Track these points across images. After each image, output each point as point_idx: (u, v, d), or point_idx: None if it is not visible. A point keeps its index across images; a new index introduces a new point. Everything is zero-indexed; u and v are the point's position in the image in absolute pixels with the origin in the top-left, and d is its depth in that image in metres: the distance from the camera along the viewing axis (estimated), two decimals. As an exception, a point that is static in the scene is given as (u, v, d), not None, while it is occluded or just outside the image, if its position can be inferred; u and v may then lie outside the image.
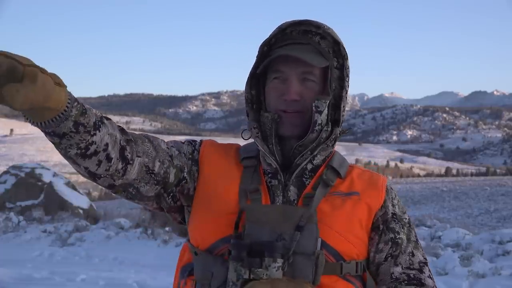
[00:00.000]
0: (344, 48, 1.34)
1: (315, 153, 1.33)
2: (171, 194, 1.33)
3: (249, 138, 1.39)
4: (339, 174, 1.36)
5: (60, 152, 1.12)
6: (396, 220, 1.36)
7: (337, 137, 1.36)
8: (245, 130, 1.39)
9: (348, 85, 1.37)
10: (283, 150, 1.35)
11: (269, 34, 1.36)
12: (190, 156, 1.38)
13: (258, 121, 1.36)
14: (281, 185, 1.32)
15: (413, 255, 1.35)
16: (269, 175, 1.34)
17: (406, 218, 1.39)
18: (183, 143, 1.41)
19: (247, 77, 1.38)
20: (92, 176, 1.18)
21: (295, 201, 1.30)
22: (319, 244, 1.23)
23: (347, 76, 1.36)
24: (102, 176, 1.18)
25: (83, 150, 1.11)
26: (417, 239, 1.39)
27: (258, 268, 1.16)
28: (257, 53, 1.36)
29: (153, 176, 1.26)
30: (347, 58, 1.35)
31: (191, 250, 1.33)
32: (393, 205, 1.38)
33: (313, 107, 1.29)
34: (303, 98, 1.32)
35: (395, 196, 1.40)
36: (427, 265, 1.36)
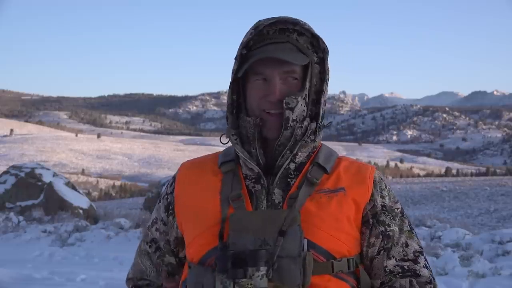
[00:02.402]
0: (323, 42, 1.32)
1: (295, 151, 1.30)
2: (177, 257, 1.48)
3: (227, 143, 1.37)
4: (326, 170, 1.33)
5: None
6: (386, 213, 1.33)
7: (317, 132, 1.34)
8: (223, 135, 1.37)
9: (328, 78, 1.35)
10: (266, 152, 1.33)
11: (244, 35, 1.33)
12: (168, 218, 1.44)
13: (237, 126, 1.34)
14: (265, 189, 1.30)
15: (407, 245, 1.33)
16: (252, 180, 1.31)
17: (397, 208, 1.36)
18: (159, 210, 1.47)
19: (229, 83, 1.35)
20: None
21: (281, 204, 1.28)
22: (305, 245, 1.21)
23: (327, 69, 1.35)
24: None
25: None
26: (411, 228, 1.36)
27: (242, 279, 1.16)
28: (236, 56, 1.33)
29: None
30: (328, 52, 1.33)
31: (188, 264, 1.34)
32: (382, 197, 1.34)
33: (284, 104, 1.27)
34: None
35: (385, 187, 1.37)
36: (422, 254, 1.34)
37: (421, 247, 1.35)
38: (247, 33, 1.32)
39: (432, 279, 1.33)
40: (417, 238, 1.36)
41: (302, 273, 1.18)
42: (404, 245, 1.32)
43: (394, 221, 1.33)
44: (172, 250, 1.43)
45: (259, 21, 1.33)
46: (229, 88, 1.35)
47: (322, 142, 1.43)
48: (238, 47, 1.32)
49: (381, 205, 1.34)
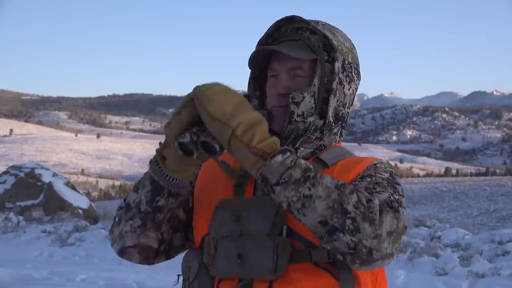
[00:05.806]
0: (331, 41, 1.32)
1: (297, 145, 1.32)
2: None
3: None
4: (326, 164, 1.31)
5: (163, 215, 1.30)
6: (366, 177, 1.25)
7: (324, 130, 1.33)
8: None
9: (345, 80, 1.34)
10: None
11: (264, 33, 1.39)
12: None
13: None
14: None
15: (379, 192, 1.20)
16: None
17: (383, 174, 1.27)
18: None
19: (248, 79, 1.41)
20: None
21: None
22: (284, 231, 1.22)
23: (343, 69, 1.34)
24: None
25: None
26: (394, 185, 1.25)
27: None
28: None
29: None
30: (337, 51, 1.32)
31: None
32: (366, 173, 1.27)
33: (290, 98, 1.30)
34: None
35: (379, 167, 1.29)
36: (395, 194, 1.21)
37: (401, 195, 1.23)
38: (266, 31, 1.39)
39: (394, 201, 1.19)
40: (397, 194, 1.22)
41: (276, 258, 1.19)
42: (375, 184, 1.23)
43: (368, 180, 1.25)
44: (183, 206, 1.40)
45: (278, 20, 1.39)
46: (248, 84, 1.43)
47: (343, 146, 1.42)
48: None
49: (361, 176, 1.26)
